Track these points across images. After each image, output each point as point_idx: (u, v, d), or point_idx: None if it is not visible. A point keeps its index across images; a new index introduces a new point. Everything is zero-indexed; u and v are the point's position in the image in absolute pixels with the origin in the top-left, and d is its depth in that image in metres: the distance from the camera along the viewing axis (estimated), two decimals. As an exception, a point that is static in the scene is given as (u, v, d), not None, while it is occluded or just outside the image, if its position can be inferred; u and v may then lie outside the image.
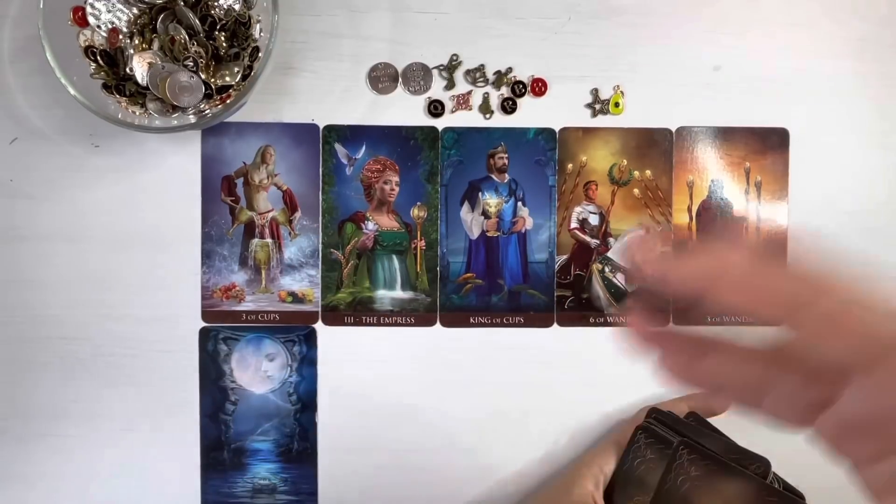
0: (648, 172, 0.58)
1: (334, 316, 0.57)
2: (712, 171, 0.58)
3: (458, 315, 0.58)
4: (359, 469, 0.57)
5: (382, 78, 0.57)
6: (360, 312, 0.57)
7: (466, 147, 0.57)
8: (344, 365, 0.57)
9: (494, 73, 0.57)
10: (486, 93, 0.57)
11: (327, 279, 0.57)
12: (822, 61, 0.58)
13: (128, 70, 0.51)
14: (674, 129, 0.58)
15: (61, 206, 0.56)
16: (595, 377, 0.58)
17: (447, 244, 0.58)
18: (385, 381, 0.57)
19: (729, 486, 0.45)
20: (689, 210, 0.58)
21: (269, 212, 0.57)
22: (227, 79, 0.52)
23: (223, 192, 0.57)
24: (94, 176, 0.56)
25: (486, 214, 0.58)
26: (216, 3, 0.52)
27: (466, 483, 0.58)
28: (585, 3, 0.57)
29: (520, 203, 0.58)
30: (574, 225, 0.58)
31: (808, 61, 0.58)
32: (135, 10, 0.51)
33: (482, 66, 0.57)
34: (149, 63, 0.51)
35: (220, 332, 0.57)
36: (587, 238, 0.58)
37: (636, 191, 0.58)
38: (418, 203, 0.58)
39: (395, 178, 0.57)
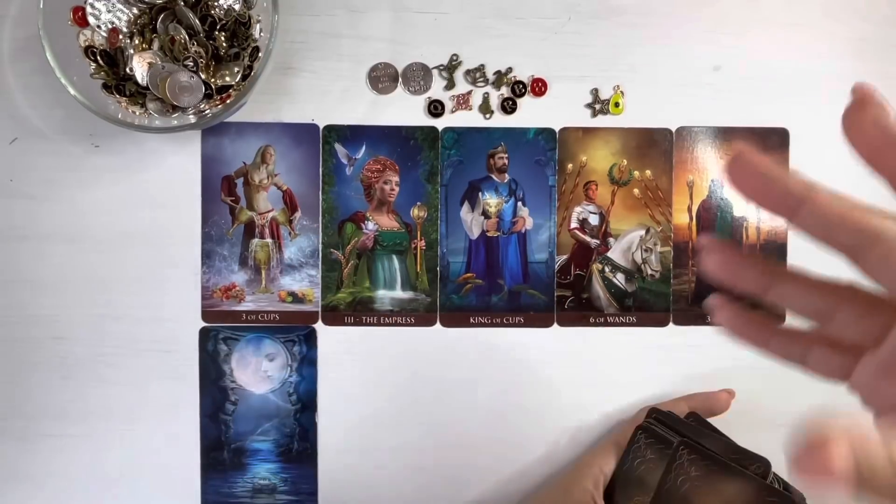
0: (648, 172, 0.58)
1: (334, 316, 0.57)
2: (712, 171, 0.58)
3: (458, 315, 0.58)
4: (359, 469, 0.57)
5: (382, 78, 0.57)
6: (360, 312, 0.57)
7: (466, 147, 0.57)
8: (344, 365, 0.57)
9: (494, 73, 0.57)
10: (486, 93, 0.57)
11: (327, 279, 0.57)
12: (822, 61, 0.58)
13: (128, 70, 0.51)
14: (674, 129, 0.58)
15: (61, 205, 0.56)
16: (595, 377, 0.58)
17: (447, 244, 0.58)
18: (385, 381, 0.57)
19: (729, 486, 0.45)
20: (690, 210, 0.58)
21: (269, 212, 0.57)
22: (227, 79, 0.52)
23: (223, 192, 0.57)
24: (93, 176, 0.56)
25: (486, 214, 0.58)
26: (216, 3, 0.52)
27: (466, 483, 0.58)
28: (585, 3, 0.57)
29: (520, 203, 0.58)
30: (574, 225, 0.58)
31: (808, 61, 0.58)
32: (135, 10, 0.51)
33: (482, 66, 0.57)
34: (149, 63, 0.51)
35: (220, 332, 0.57)
36: (587, 238, 0.58)
37: (636, 191, 0.58)
38: (418, 203, 0.58)
39: (395, 178, 0.57)
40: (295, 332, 0.57)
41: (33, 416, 0.56)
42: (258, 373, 0.57)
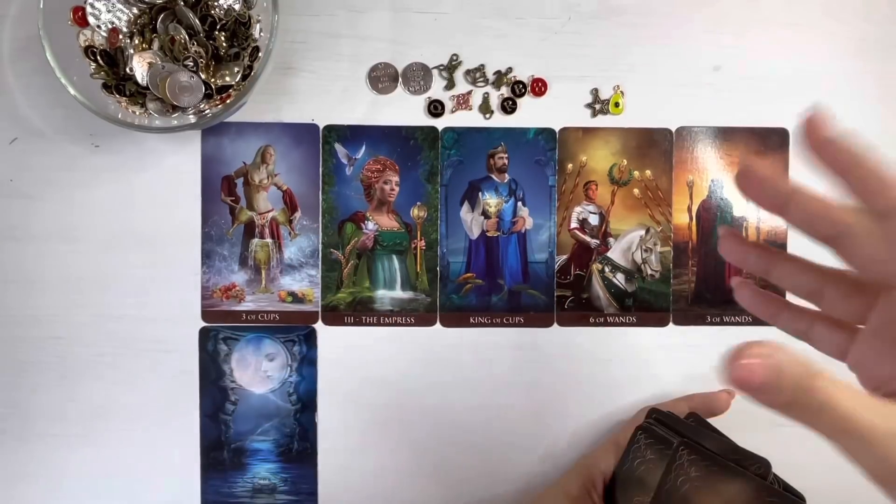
0: (648, 172, 0.58)
1: (334, 316, 0.57)
2: (712, 171, 0.58)
3: (458, 315, 0.58)
4: (359, 469, 0.57)
5: (382, 78, 0.57)
6: (360, 312, 0.57)
7: (466, 147, 0.57)
8: (344, 365, 0.57)
9: (494, 73, 0.57)
10: (486, 93, 0.57)
11: (327, 279, 0.57)
12: (822, 61, 0.58)
13: (128, 70, 0.51)
14: (674, 129, 0.58)
15: (61, 205, 0.56)
16: (595, 377, 0.58)
17: (447, 244, 0.58)
18: (385, 381, 0.57)
19: (729, 486, 0.45)
20: (689, 210, 0.58)
21: (269, 212, 0.57)
22: (227, 79, 0.52)
23: (223, 192, 0.57)
24: (93, 176, 0.56)
25: (486, 214, 0.58)
26: (216, 3, 0.52)
27: (466, 483, 0.58)
28: (585, 3, 0.57)
29: (520, 203, 0.58)
30: (574, 225, 0.58)
31: (808, 61, 0.58)
32: (135, 10, 0.52)
33: (482, 66, 0.57)
34: (149, 63, 0.51)
35: (220, 332, 0.57)
36: (587, 238, 0.58)
37: (636, 191, 0.58)
38: (418, 203, 0.58)
39: (395, 178, 0.57)
40: (295, 332, 0.57)
41: (33, 416, 0.56)
42: (258, 373, 0.57)
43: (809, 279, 0.32)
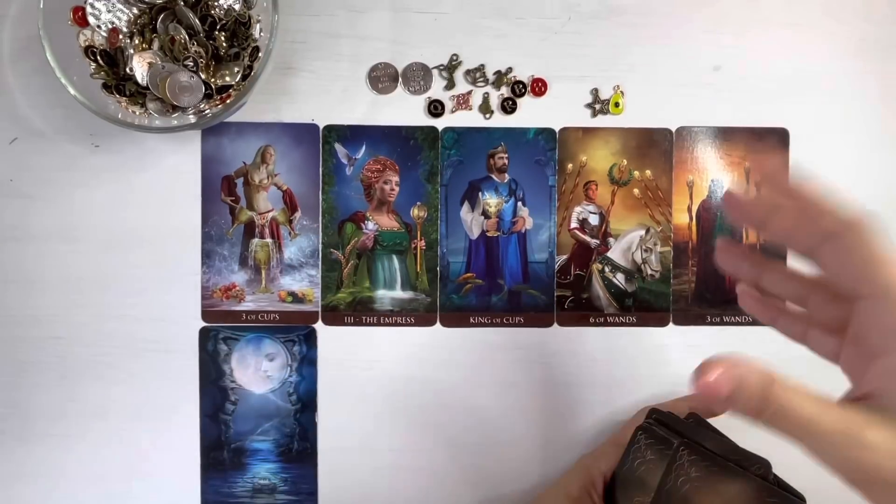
0: (648, 172, 0.58)
1: (334, 316, 0.57)
2: (712, 171, 0.58)
3: (458, 315, 0.58)
4: (359, 469, 0.57)
5: (382, 78, 0.57)
6: (360, 312, 0.57)
7: (466, 147, 0.57)
8: (344, 365, 0.57)
9: (494, 73, 0.57)
10: (486, 93, 0.57)
11: (327, 279, 0.57)
12: (822, 61, 0.58)
13: (128, 70, 0.51)
14: (674, 129, 0.58)
15: (61, 205, 0.56)
16: (595, 377, 0.58)
17: (447, 244, 0.58)
18: (385, 381, 0.57)
19: (729, 487, 0.45)
20: (689, 210, 0.58)
21: (269, 212, 0.57)
22: (227, 79, 0.52)
23: (223, 192, 0.57)
24: (93, 176, 0.56)
25: (486, 214, 0.58)
26: (216, 3, 0.52)
27: (466, 483, 0.58)
28: (585, 3, 0.57)
29: (520, 203, 0.58)
30: (574, 225, 0.58)
31: (808, 61, 0.58)
32: (135, 10, 0.51)
33: (482, 66, 0.57)
34: (149, 63, 0.51)
35: (220, 332, 0.57)
36: (587, 238, 0.58)
37: (636, 191, 0.58)
38: (418, 203, 0.58)
39: (395, 178, 0.57)
40: (295, 332, 0.57)
41: (33, 416, 0.56)
42: (258, 373, 0.57)
43: (795, 286, 0.35)
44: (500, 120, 0.57)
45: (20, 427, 0.56)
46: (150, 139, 0.56)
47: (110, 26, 0.51)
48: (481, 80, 0.57)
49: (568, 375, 0.58)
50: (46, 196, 0.56)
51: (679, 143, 0.58)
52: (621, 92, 0.58)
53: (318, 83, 0.57)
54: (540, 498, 0.54)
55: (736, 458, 0.46)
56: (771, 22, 0.58)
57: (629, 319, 0.58)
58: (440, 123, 0.57)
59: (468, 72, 0.57)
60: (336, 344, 0.57)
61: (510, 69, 0.57)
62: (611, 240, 0.58)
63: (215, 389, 0.57)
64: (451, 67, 0.57)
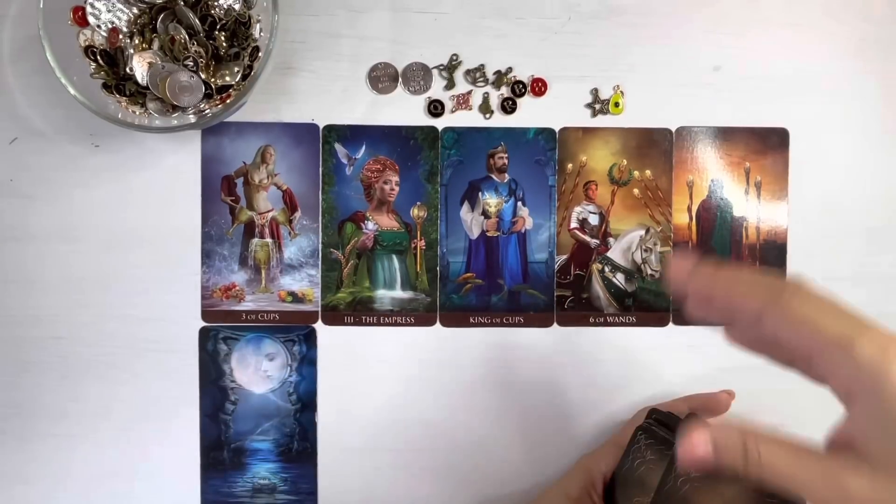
0: (648, 172, 0.58)
1: (334, 316, 0.57)
2: (712, 171, 0.58)
3: (458, 315, 0.58)
4: (359, 469, 0.57)
5: (382, 78, 0.57)
6: (360, 312, 0.57)
7: (466, 147, 0.57)
8: (344, 365, 0.57)
9: (494, 73, 0.57)
10: (486, 93, 0.57)
11: (327, 279, 0.57)
12: (822, 61, 0.58)
13: (128, 70, 0.51)
14: (674, 129, 0.58)
15: (61, 205, 0.56)
16: (595, 377, 0.58)
17: (447, 244, 0.58)
18: (385, 381, 0.57)
19: (729, 487, 0.45)
20: (689, 210, 0.58)
21: (269, 212, 0.57)
22: (227, 79, 0.52)
23: (223, 191, 0.57)
24: (93, 175, 0.56)
25: (486, 214, 0.58)
26: (216, 3, 0.52)
27: (466, 483, 0.58)
28: (585, 3, 0.57)
29: (520, 203, 0.58)
30: (574, 225, 0.58)
31: (808, 61, 0.58)
32: (135, 10, 0.51)
33: (482, 66, 0.57)
34: (149, 63, 0.51)
35: (220, 332, 0.57)
36: (587, 238, 0.58)
37: (636, 191, 0.58)
38: (418, 203, 0.58)
39: (395, 178, 0.57)
40: (295, 332, 0.57)
41: (33, 416, 0.56)
42: (258, 372, 0.57)
43: (758, 335, 0.33)
44: (500, 120, 0.57)
45: (21, 427, 0.56)
46: (150, 139, 0.56)
47: (110, 26, 0.51)
48: (481, 80, 0.57)
49: (568, 375, 0.58)
50: (46, 196, 0.56)
51: (679, 143, 0.58)
52: (621, 92, 0.58)
53: (318, 83, 0.57)
54: (540, 498, 0.54)
55: (736, 458, 0.46)
56: (771, 22, 0.58)
57: (629, 319, 0.58)
58: (440, 123, 0.57)
59: (468, 72, 0.57)
60: (336, 344, 0.57)
61: (510, 69, 0.57)
62: (611, 240, 0.58)
63: (215, 389, 0.57)
64: (451, 67, 0.57)
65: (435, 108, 0.57)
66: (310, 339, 0.57)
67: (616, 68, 0.57)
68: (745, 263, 0.58)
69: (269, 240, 0.57)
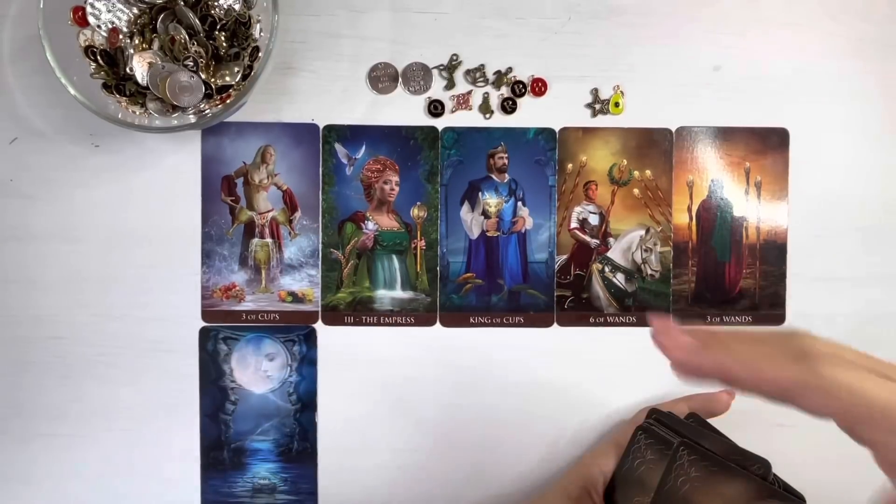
0: (648, 172, 0.58)
1: (334, 316, 0.57)
2: (712, 171, 0.58)
3: (458, 315, 0.58)
4: (359, 469, 0.57)
5: (382, 78, 0.57)
6: (360, 312, 0.57)
7: (466, 147, 0.57)
8: (344, 365, 0.57)
9: (494, 73, 0.57)
10: (486, 93, 0.57)
11: (327, 279, 0.57)
12: (822, 61, 0.58)
13: (128, 70, 0.51)
14: (674, 129, 0.58)
15: (61, 205, 0.56)
16: (595, 377, 0.58)
17: (447, 244, 0.58)
18: (385, 381, 0.57)
19: (729, 486, 0.45)
20: (689, 210, 0.58)
21: (269, 212, 0.57)
22: (227, 79, 0.52)
23: (223, 191, 0.57)
24: (93, 176, 0.56)
25: (486, 214, 0.58)
26: (216, 3, 0.52)
27: (466, 483, 0.58)
28: (585, 3, 0.57)
29: (520, 203, 0.58)
30: (574, 225, 0.58)
31: (808, 61, 0.58)
32: (135, 10, 0.51)
33: (482, 66, 0.57)
34: (149, 63, 0.51)
35: (220, 332, 0.57)
36: (587, 238, 0.58)
37: (636, 191, 0.58)
38: (418, 203, 0.58)
39: (395, 178, 0.57)
40: (295, 332, 0.57)
41: (33, 416, 0.56)
42: (258, 372, 0.57)
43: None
44: (500, 120, 0.57)
45: (22, 427, 0.56)
46: (150, 139, 0.56)
47: (110, 26, 0.51)
48: (481, 80, 0.57)
49: (568, 375, 0.58)
50: (46, 196, 0.56)
51: (679, 143, 0.58)
52: (621, 92, 0.58)
53: (318, 83, 0.57)
54: (540, 498, 0.54)
55: (736, 458, 0.46)
56: (771, 22, 0.58)
57: (629, 319, 0.58)
58: (440, 123, 0.57)
59: (468, 72, 0.57)
60: (336, 344, 0.57)
61: (510, 69, 0.57)
62: (611, 240, 0.58)
63: (215, 389, 0.57)
64: (451, 67, 0.57)
65: (435, 108, 0.57)
66: (310, 339, 0.57)
67: (616, 68, 0.57)
68: (745, 263, 0.58)
69: (269, 240, 0.57)
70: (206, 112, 0.52)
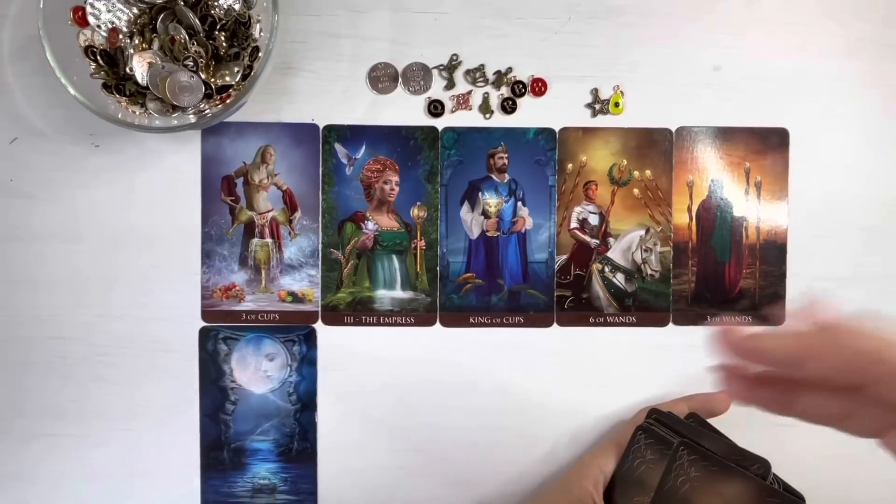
0: (648, 172, 0.58)
1: (334, 316, 0.57)
2: (712, 171, 0.58)
3: (458, 315, 0.58)
4: (358, 469, 0.57)
5: (382, 78, 0.57)
6: (360, 312, 0.57)
7: (466, 147, 0.57)
8: (344, 365, 0.57)
9: (494, 73, 0.57)
10: (486, 93, 0.57)
11: (327, 279, 0.57)
12: (822, 61, 0.58)
13: (128, 70, 0.51)
14: (674, 129, 0.58)
15: (61, 205, 0.56)
16: (595, 377, 0.58)
17: (447, 244, 0.58)
18: (385, 381, 0.57)
19: (729, 486, 0.45)
20: (689, 210, 0.58)
21: (269, 212, 0.57)
22: (227, 79, 0.52)
23: (223, 191, 0.57)
24: (93, 176, 0.56)
25: (486, 214, 0.58)
26: (216, 3, 0.52)
27: (466, 483, 0.58)
28: (585, 3, 0.57)
29: (520, 203, 0.58)
30: (574, 225, 0.58)
31: (808, 61, 0.58)
32: (135, 10, 0.51)
33: (482, 66, 0.57)
34: (149, 63, 0.51)
35: (220, 332, 0.57)
36: (587, 238, 0.58)
37: (636, 191, 0.58)
38: (418, 203, 0.58)
39: (395, 178, 0.57)
40: (295, 332, 0.57)
41: (33, 416, 0.56)
42: (258, 373, 0.57)
43: (835, 406, 0.32)
44: (500, 120, 0.57)
45: (21, 426, 0.56)
46: (150, 139, 0.56)
47: (110, 26, 0.51)
48: (481, 80, 0.57)
49: (568, 375, 0.58)
50: (47, 196, 0.56)
51: (679, 143, 0.58)
52: (621, 92, 0.58)
53: (318, 83, 0.57)
54: (540, 497, 0.54)
55: (736, 458, 0.46)
56: (771, 22, 0.58)
57: (629, 319, 0.58)
58: (440, 123, 0.57)
59: (468, 72, 0.57)
60: (336, 344, 0.57)
61: (510, 69, 0.57)
62: (611, 240, 0.58)
63: (215, 389, 0.57)
64: (451, 67, 0.57)
65: (435, 108, 0.57)
66: (310, 339, 0.57)
67: (616, 68, 0.57)
68: (745, 263, 0.58)
69: (269, 240, 0.57)
70: (206, 112, 0.52)
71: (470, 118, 0.57)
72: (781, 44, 0.58)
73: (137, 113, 0.52)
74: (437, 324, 0.58)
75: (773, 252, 0.58)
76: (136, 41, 0.51)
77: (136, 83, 0.51)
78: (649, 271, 0.58)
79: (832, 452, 0.56)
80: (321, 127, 0.57)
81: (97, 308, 0.56)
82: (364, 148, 0.57)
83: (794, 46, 0.58)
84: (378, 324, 0.57)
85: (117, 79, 0.52)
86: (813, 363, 0.30)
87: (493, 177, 0.58)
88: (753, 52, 0.58)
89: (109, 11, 0.51)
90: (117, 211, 0.56)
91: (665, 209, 0.58)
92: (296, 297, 0.57)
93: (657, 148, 0.58)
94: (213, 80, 0.52)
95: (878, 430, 0.31)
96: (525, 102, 0.57)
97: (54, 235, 0.56)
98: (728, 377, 0.33)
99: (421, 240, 0.58)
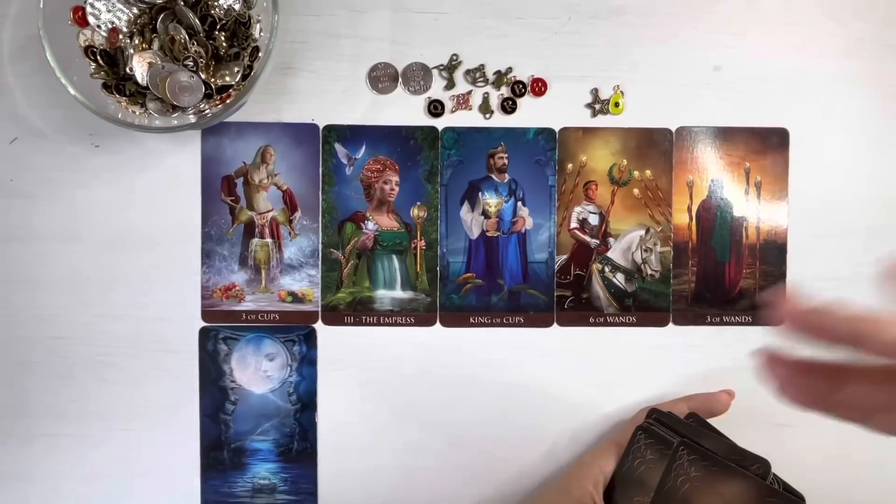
0: (648, 172, 0.58)
1: (334, 316, 0.57)
2: (712, 171, 0.58)
3: (458, 315, 0.58)
4: (359, 469, 0.57)
5: (382, 78, 0.57)
6: (360, 312, 0.57)
7: (466, 147, 0.57)
8: (344, 365, 0.57)
9: (494, 73, 0.57)
10: (486, 93, 0.57)
11: (327, 279, 0.57)
12: (822, 61, 0.58)
13: (128, 70, 0.51)
14: (674, 129, 0.58)
15: (61, 205, 0.56)
16: (595, 377, 0.58)
17: (447, 244, 0.58)
18: (385, 381, 0.57)
19: (729, 486, 0.45)
20: (689, 210, 0.58)
21: (269, 212, 0.57)
22: (227, 79, 0.52)
23: (223, 191, 0.57)
24: (93, 176, 0.56)
25: (486, 214, 0.58)
26: (216, 3, 0.52)
27: (466, 483, 0.58)
28: (585, 3, 0.57)
29: (520, 203, 0.58)
30: (574, 225, 0.58)
31: (808, 61, 0.58)
32: (135, 10, 0.52)
33: (482, 66, 0.57)
34: (149, 63, 0.51)
35: (220, 332, 0.57)
36: (587, 238, 0.58)
37: (636, 191, 0.58)
38: (418, 203, 0.58)
39: (395, 178, 0.57)
40: (295, 332, 0.57)
41: (33, 416, 0.56)
42: (258, 373, 0.57)
43: (882, 393, 0.29)
44: (500, 120, 0.57)
45: (22, 427, 0.56)
46: (150, 139, 0.56)
47: (110, 26, 0.51)
48: (481, 80, 0.57)
49: (568, 375, 0.58)
50: (47, 196, 0.56)
51: (679, 143, 0.58)
52: (621, 92, 0.58)
53: (318, 83, 0.57)
54: (540, 497, 0.54)
55: (735, 458, 0.46)
56: (771, 22, 0.58)
57: (629, 319, 0.58)
58: (440, 123, 0.57)
59: (468, 72, 0.57)
60: (336, 344, 0.57)
61: (510, 69, 0.57)
62: (611, 240, 0.58)
63: (215, 389, 0.57)
64: (451, 67, 0.57)
65: (435, 108, 0.57)
66: (310, 339, 0.57)
67: (616, 68, 0.57)
68: (745, 263, 0.58)
69: (269, 240, 0.57)
70: (206, 112, 0.52)
71: (470, 118, 0.57)
72: (781, 44, 0.58)
73: (137, 113, 0.52)
74: (437, 324, 0.58)
75: (773, 252, 0.58)
76: (136, 41, 0.51)
77: (136, 83, 0.51)
78: (649, 271, 0.58)
79: (832, 452, 0.56)
80: (321, 127, 0.57)
81: (97, 308, 0.56)
82: (364, 148, 0.57)
83: (794, 46, 0.58)
84: (378, 324, 0.57)
85: (117, 79, 0.52)
86: (882, 338, 0.27)
87: (493, 177, 0.58)
88: (753, 52, 0.58)
89: (109, 11, 0.51)
90: (117, 211, 0.56)
91: (665, 209, 0.58)
92: (296, 297, 0.57)
93: (657, 148, 0.58)
94: (213, 80, 0.52)
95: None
96: (525, 102, 0.57)
97: (54, 235, 0.56)
98: (770, 361, 0.30)
99: (421, 240, 0.58)
